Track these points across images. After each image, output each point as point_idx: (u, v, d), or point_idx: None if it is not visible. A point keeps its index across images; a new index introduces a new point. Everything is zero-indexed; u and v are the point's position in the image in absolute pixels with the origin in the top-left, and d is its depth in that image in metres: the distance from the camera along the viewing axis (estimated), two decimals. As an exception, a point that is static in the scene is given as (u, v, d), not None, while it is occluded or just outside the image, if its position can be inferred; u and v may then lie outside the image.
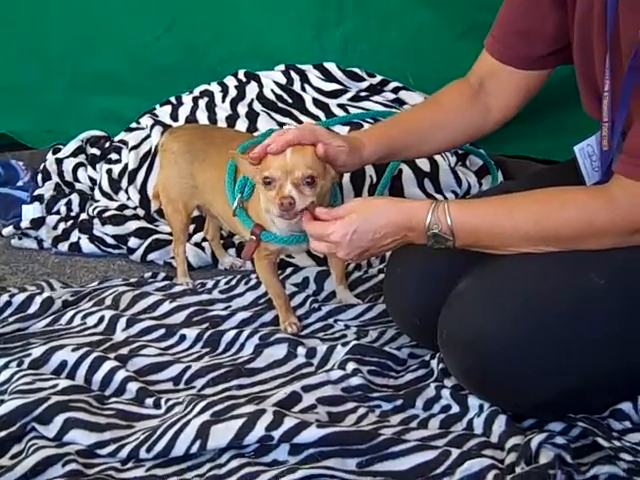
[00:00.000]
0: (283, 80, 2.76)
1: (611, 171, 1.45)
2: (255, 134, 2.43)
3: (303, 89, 2.73)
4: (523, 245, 1.46)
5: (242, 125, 2.59)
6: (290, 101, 2.69)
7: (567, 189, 1.47)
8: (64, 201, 2.63)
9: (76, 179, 2.77)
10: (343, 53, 2.85)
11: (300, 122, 2.59)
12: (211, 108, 2.70)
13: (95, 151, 2.82)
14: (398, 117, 1.98)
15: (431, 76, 2.72)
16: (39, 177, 2.80)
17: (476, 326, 1.42)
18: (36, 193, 2.69)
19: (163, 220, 2.41)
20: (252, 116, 2.62)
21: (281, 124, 2.58)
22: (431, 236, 1.47)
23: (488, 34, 1.76)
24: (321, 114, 2.63)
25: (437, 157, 2.45)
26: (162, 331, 1.86)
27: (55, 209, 2.61)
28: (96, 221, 2.46)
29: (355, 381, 1.61)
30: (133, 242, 2.37)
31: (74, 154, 2.84)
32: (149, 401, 1.59)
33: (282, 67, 2.81)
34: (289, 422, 1.41)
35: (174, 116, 2.72)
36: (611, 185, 1.40)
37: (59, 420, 1.48)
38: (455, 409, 1.54)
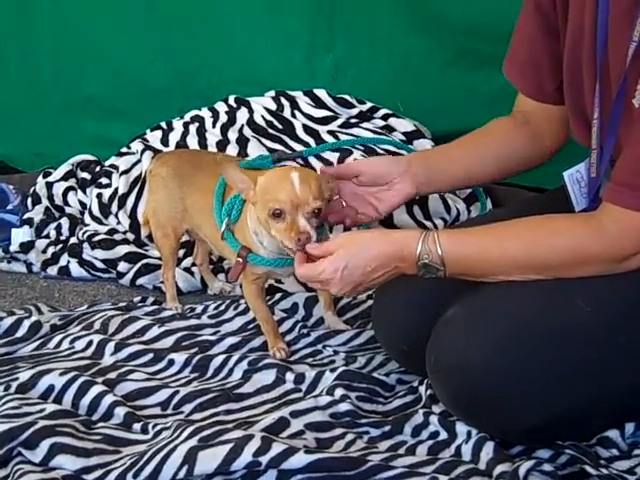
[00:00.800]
0: (273, 106, 2.78)
1: (599, 198, 1.47)
2: (247, 158, 2.45)
3: (293, 115, 2.75)
4: (513, 273, 1.46)
5: (232, 150, 2.60)
6: (280, 127, 2.70)
7: (556, 217, 1.47)
8: (54, 225, 2.63)
9: (66, 203, 2.78)
10: (333, 78, 2.88)
11: (290, 148, 2.61)
12: (202, 133, 2.71)
13: (85, 175, 2.83)
14: (441, 147, 1.94)
15: (420, 102, 2.77)
16: (29, 201, 2.80)
17: (464, 353, 1.43)
18: (26, 217, 2.69)
19: (153, 245, 2.41)
20: (242, 142, 2.63)
21: (271, 150, 2.59)
22: (422, 266, 1.48)
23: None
24: (311, 140, 2.64)
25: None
26: (150, 356, 1.85)
27: (45, 233, 2.61)
28: (86, 245, 2.46)
29: (343, 407, 1.61)
30: (122, 266, 2.37)
31: (64, 178, 2.85)
32: (136, 426, 1.58)
33: (272, 93, 2.82)
34: (277, 448, 1.41)
35: (165, 141, 2.73)
36: (599, 213, 1.41)
37: (45, 445, 1.47)
38: (443, 435, 1.54)
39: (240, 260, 1.78)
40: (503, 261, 1.46)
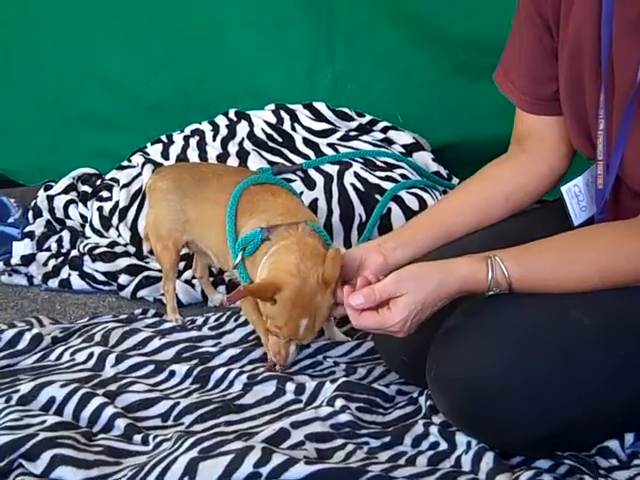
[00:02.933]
0: (273, 119, 2.79)
1: (610, 208, 1.49)
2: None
3: (293, 128, 2.76)
4: (585, 289, 1.44)
5: (233, 164, 2.61)
6: (280, 140, 2.72)
7: (611, 232, 1.47)
8: (55, 238, 2.64)
9: (67, 216, 2.78)
10: (333, 91, 2.89)
11: (290, 161, 2.62)
12: (202, 147, 2.72)
13: (86, 188, 2.84)
14: (429, 214, 1.83)
15: (420, 114, 2.79)
16: (30, 214, 2.80)
17: (464, 364, 1.42)
18: (27, 230, 2.69)
19: (153, 257, 2.42)
20: (243, 155, 2.64)
21: (271, 163, 2.60)
22: (488, 295, 1.46)
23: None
24: (311, 153, 2.65)
25: (425, 195, 2.48)
26: (151, 367, 1.85)
27: (46, 246, 2.62)
28: (87, 258, 2.46)
29: (344, 418, 1.61)
30: (123, 279, 2.38)
31: (65, 191, 2.85)
32: (137, 437, 1.58)
33: (272, 106, 2.84)
34: (277, 459, 1.41)
35: (165, 154, 2.74)
36: None
37: (46, 457, 1.47)
38: (443, 446, 1.54)
39: (242, 289, 1.80)
40: (578, 286, 1.44)
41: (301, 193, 2.45)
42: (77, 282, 2.44)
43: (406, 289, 1.43)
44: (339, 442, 1.56)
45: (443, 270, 1.45)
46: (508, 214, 1.75)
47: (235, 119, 2.82)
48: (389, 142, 2.73)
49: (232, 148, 2.69)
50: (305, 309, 1.69)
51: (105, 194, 2.71)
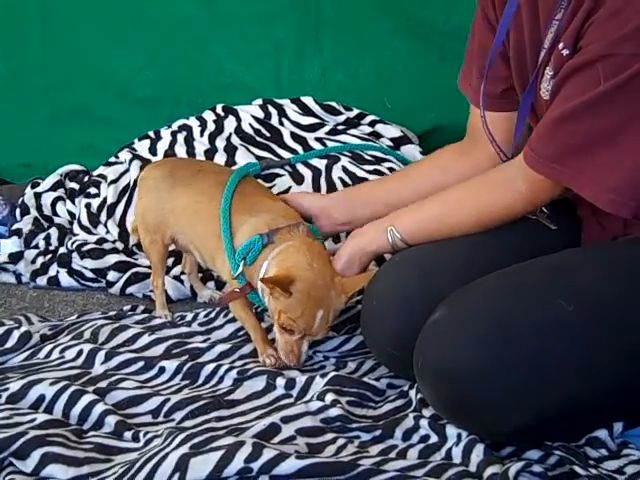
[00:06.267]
0: (261, 114, 2.79)
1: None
2: (235, 166, 2.46)
3: (281, 123, 2.76)
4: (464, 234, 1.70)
5: (220, 159, 2.61)
6: (268, 135, 2.71)
7: (474, 189, 1.71)
8: (43, 235, 2.62)
9: (55, 213, 2.77)
10: (321, 83, 2.90)
11: (278, 156, 2.62)
12: (189, 142, 2.71)
13: (74, 185, 2.82)
14: (381, 181, 2.19)
15: (406, 101, 2.80)
16: (17, 211, 2.79)
17: (449, 355, 1.45)
18: (14, 227, 2.68)
19: (142, 253, 2.41)
20: (230, 150, 2.64)
21: (259, 158, 2.60)
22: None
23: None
24: (299, 148, 2.65)
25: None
26: (141, 364, 1.85)
27: (34, 243, 2.60)
28: (75, 255, 2.45)
29: (334, 412, 1.62)
30: (112, 275, 2.37)
31: (53, 188, 2.84)
32: (128, 434, 1.58)
33: (260, 101, 2.83)
34: (268, 453, 1.41)
35: (153, 150, 2.74)
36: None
37: (37, 455, 1.47)
38: (434, 439, 1.55)
39: (238, 291, 1.80)
40: (459, 234, 1.69)
41: (289, 188, 2.45)
42: (66, 279, 2.43)
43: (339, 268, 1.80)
44: (330, 436, 1.56)
45: (359, 252, 1.79)
46: None
47: (222, 114, 2.81)
48: (377, 136, 2.73)
49: (220, 143, 2.69)
50: (321, 301, 1.72)
51: (93, 191, 2.71)
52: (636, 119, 1.43)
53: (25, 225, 2.69)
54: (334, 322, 1.82)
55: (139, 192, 2.16)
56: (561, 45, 1.51)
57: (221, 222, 1.86)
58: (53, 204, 2.78)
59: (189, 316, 2.13)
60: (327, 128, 2.72)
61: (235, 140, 2.70)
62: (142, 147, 2.77)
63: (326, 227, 1.98)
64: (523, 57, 1.66)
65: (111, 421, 1.61)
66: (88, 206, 2.66)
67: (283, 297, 1.73)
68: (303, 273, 1.74)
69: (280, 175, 2.45)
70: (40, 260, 2.50)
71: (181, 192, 2.00)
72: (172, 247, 2.14)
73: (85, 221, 2.64)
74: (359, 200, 1.99)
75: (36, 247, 2.59)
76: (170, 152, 2.69)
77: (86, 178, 2.84)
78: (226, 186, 1.91)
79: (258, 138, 2.71)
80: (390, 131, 2.74)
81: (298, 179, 2.50)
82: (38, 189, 2.84)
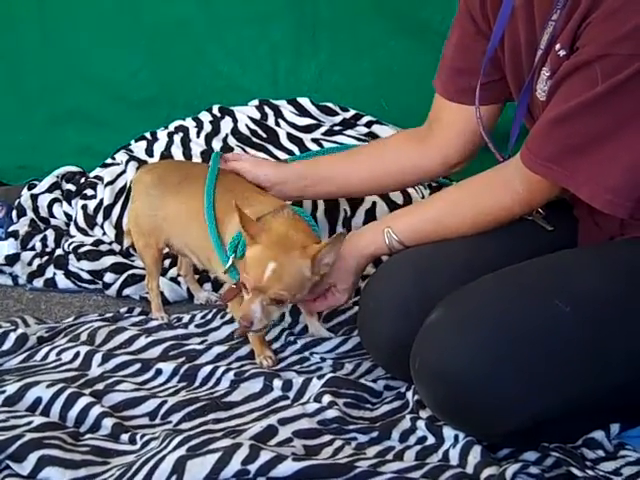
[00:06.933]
0: (257, 115, 2.79)
1: None
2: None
3: (277, 124, 2.76)
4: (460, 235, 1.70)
5: (217, 160, 2.60)
6: (264, 136, 2.72)
7: (470, 190, 1.71)
8: (39, 237, 2.62)
9: (51, 215, 2.77)
10: (318, 84, 2.90)
11: (275, 156, 2.62)
12: (186, 143, 2.72)
13: (70, 187, 2.82)
14: (325, 157, 2.13)
15: (403, 104, 2.80)
16: (14, 213, 2.79)
17: (446, 356, 1.44)
18: (11, 229, 2.68)
19: (136, 254, 2.41)
20: (227, 151, 2.63)
21: (256, 158, 2.60)
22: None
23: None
24: (295, 149, 2.65)
25: (410, 190, 2.48)
26: (138, 366, 1.85)
27: (30, 245, 2.60)
28: (71, 257, 2.45)
29: (331, 414, 1.62)
30: (109, 277, 2.37)
31: (49, 190, 2.84)
32: (125, 437, 1.58)
33: (256, 102, 2.84)
34: (265, 456, 1.41)
35: (149, 152, 2.74)
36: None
37: (33, 457, 1.47)
38: (431, 440, 1.55)
39: (234, 287, 1.79)
40: (455, 235, 1.69)
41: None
42: (62, 281, 2.43)
43: (335, 279, 1.78)
44: (327, 438, 1.56)
45: (356, 254, 1.77)
46: (398, 188, 2.22)
47: (219, 115, 2.81)
48: (373, 136, 2.73)
49: (216, 144, 2.69)
50: (275, 256, 1.66)
51: (89, 192, 2.71)
52: (633, 119, 1.43)
53: (21, 227, 2.69)
54: (300, 294, 1.72)
55: (133, 195, 2.15)
56: (558, 46, 1.51)
57: (206, 217, 1.85)
58: (50, 206, 2.78)
59: (186, 318, 2.13)
60: (323, 129, 2.73)
61: (231, 141, 2.71)
62: (138, 148, 2.77)
63: (277, 196, 1.96)
64: (519, 59, 1.66)
65: (108, 423, 1.61)
66: (84, 208, 2.66)
67: (247, 247, 1.71)
68: (267, 227, 1.71)
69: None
70: (37, 262, 2.50)
71: (171, 199, 1.99)
72: (166, 250, 2.14)
73: (82, 223, 2.64)
74: (311, 179, 1.99)
75: (33, 249, 2.59)
76: (167, 153, 2.69)
77: (82, 180, 2.83)
78: (206, 182, 1.90)
79: (254, 139, 2.71)
80: (386, 132, 2.73)
81: (295, 180, 2.49)
82: (34, 191, 2.84)
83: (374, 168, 1.96)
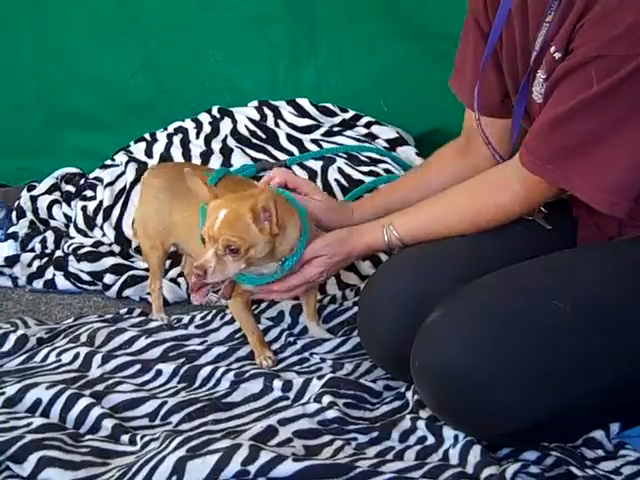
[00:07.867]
0: (257, 116, 2.79)
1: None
2: (231, 169, 2.46)
3: (277, 125, 2.76)
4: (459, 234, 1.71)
5: (216, 161, 2.61)
6: (264, 137, 2.72)
7: (470, 190, 1.71)
8: (39, 238, 2.63)
9: (51, 216, 2.77)
10: (317, 86, 2.90)
11: (274, 157, 2.62)
12: (185, 144, 2.72)
13: (70, 188, 2.83)
14: (387, 187, 2.13)
15: (402, 105, 2.81)
16: (14, 215, 2.79)
17: (446, 356, 1.45)
18: (10, 231, 2.68)
19: (138, 256, 2.42)
20: (226, 152, 2.64)
21: (255, 159, 2.60)
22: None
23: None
24: (295, 149, 2.65)
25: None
26: (138, 367, 1.85)
27: (30, 246, 2.61)
28: (71, 258, 2.45)
29: (331, 414, 1.62)
30: (109, 278, 2.37)
31: (49, 191, 2.85)
32: (125, 438, 1.58)
33: (255, 103, 2.84)
34: (265, 456, 1.41)
35: (149, 153, 2.74)
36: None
37: (33, 459, 1.47)
38: (431, 440, 1.55)
39: (235, 284, 1.79)
40: (454, 234, 1.70)
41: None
42: (62, 282, 2.43)
43: (326, 252, 1.74)
44: (327, 438, 1.56)
45: (353, 240, 1.76)
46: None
47: (218, 116, 2.81)
48: (373, 137, 2.74)
49: (215, 145, 2.69)
50: (228, 205, 1.64)
51: (89, 193, 2.71)
52: (629, 119, 1.44)
53: (21, 228, 2.69)
54: (253, 247, 1.64)
55: (141, 196, 2.14)
56: (552, 48, 1.52)
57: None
58: (49, 207, 2.78)
59: (186, 319, 2.13)
60: (323, 130, 2.73)
61: (231, 142, 2.71)
62: (138, 149, 2.77)
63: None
64: (515, 61, 1.66)
65: (108, 424, 1.61)
66: (84, 209, 2.66)
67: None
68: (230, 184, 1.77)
69: (276, 177, 2.43)
70: (36, 263, 2.50)
71: (179, 204, 1.98)
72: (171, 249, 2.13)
73: (81, 224, 2.64)
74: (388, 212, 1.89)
75: (32, 250, 2.59)
76: (166, 155, 2.69)
77: (82, 181, 2.84)
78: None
79: (254, 140, 2.71)
80: (386, 132, 2.74)
81: (294, 181, 2.49)
82: (34, 192, 2.85)
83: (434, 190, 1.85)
